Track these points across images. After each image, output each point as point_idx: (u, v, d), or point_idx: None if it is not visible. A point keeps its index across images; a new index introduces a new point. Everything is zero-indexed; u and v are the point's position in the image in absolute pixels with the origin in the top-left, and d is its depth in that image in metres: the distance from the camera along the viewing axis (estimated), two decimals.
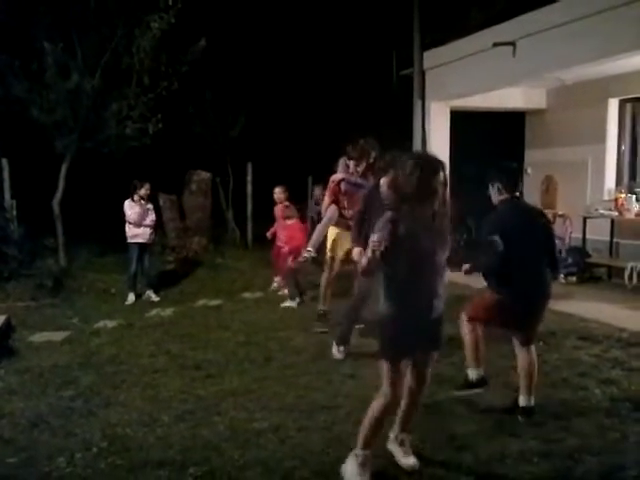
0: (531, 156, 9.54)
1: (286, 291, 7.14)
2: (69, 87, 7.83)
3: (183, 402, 3.92)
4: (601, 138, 8.09)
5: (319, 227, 5.75)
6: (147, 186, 7.29)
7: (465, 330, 3.79)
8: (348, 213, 5.53)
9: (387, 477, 2.93)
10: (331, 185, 5.64)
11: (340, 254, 5.63)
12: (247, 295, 7.44)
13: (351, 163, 5.48)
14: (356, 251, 4.86)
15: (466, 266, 3.81)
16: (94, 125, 8.28)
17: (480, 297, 3.87)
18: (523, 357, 3.64)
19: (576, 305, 6.27)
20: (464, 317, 3.81)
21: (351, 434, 3.37)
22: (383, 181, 4.75)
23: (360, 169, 5.46)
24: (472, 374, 3.80)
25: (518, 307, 3.56)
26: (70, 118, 8.07)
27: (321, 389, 4.08)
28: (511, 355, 4.57)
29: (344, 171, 5.62)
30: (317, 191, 9.46)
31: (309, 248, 5.69)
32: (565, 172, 8.64)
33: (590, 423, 3.45)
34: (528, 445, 3.20)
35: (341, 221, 5.58)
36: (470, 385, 3.79)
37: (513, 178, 3.78)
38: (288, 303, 6.81)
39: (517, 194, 3.76)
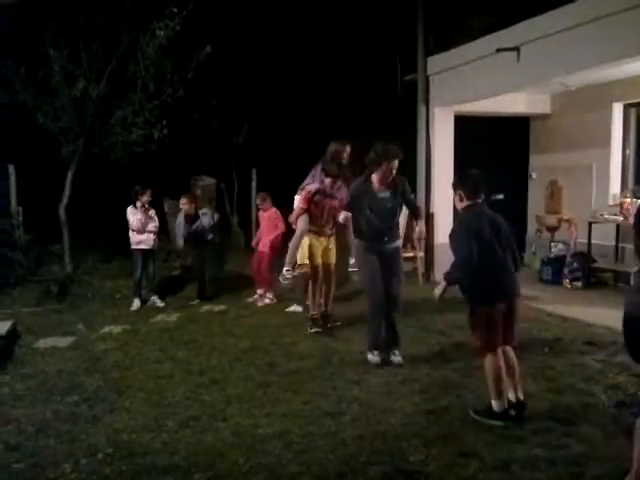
0: (536, 161, 9.52)
1: (267, 301, 7.20)
2: (75, 94, 7.89)
3: (188, 408, 3.93)
4: (606, 143, 8.07)
5: (293, 242, 5.73)
6: (149, 192, 7.31)
7: (487, 364, 3.66)
8: (321, 222, 5.71)
9: None
10: (307, 195, 5.62)
11: (320, 261, 5.79)
12: (251, 301, 7.44)
13: (327, 180, 5.58)
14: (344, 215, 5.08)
15: (439, 288, 3.77)
16: (99, 131, 8.34)
17: (471, 325, 3.76)
18: (513, 357, 3.69)
19: (582, 310, 6.25)
20: (482, 353, 3.71)
21: (355, 439, 3.38)
22: (374, 176, 4.76)
23: (337, 186, 5.62)
24: (496, 406, 3.64)
25: (500, 309, 3.62)
26: (76, 124, 8.13)
27: (326, 395, 4.08)
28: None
29: (319, 181, 5.67)
30: (178, 202, 7.98)
31: (287, 268, 5.69)
32: (570, 177, 8.61)
33: (596, 429, 3.43)
34: (534, 452, 3.18)
35: (312, 228, 5.70)
36: (492, 415, 3.63)
37: (474, 184, 3.81)
38: (294, 307, 6.82)
39: (479, 200, 3.78)
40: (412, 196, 5.20)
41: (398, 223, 4.98)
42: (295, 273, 5.79)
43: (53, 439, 3.51)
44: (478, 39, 7.92)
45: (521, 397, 3.64)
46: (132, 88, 8.30)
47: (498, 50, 7.26)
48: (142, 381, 4.47)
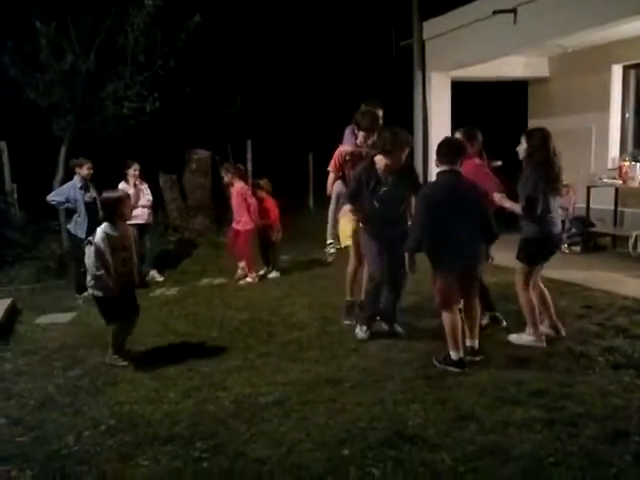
0: (534, 125, 9.38)
1: (249, 279, 6.87)
2: (64, 68, 7.75)
3: (189, 379, 3.96)
4: (605, 105, 7.98)
5: (330, 209, 5.10)
6: (135, 166, 7.16)
7: (444, 319, 3.97)
8: None
9: (391, 445, 2.95)
10: (338, 157, 4.95)
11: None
12: (237, 278, 7.37)
13: (361, 134, 4.84)
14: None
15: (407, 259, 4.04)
16: (91, 106, 8.22)
17: (433, 283, 4.02)
18: (476, 311, 4.06)
19: (580, 274, 6.26)
20: (440, 308, 4.00)
21: (355, 406, 3.41)
22: (378, 158, 4.45)
23: (371, 141, 4.80)
24: (453, 355, 3.93)
25: (455, 274, 3.88)
26: (66, 99, 8.02)
27: (325, 363, 4.11)
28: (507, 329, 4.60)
29: (351, 141, 5.01)
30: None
31: (330, 240, 5.14)
32: (568, 141, 8.52)
33: (593, 391, 3.47)
34: (531, 413, 3.21)
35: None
36: (450, 363, 3.91)
37: (449, 152, 3.90)
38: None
39: (453, 168, 3.87)
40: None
41: (405, 208, 4.54)
42: (339, 247, 5.16)
43: (56, 412, 3.54)
44: (474, 1, 7.76)
45: (476, 346, 4.03)
46: (122, 61, 8.15)
47: (495, 12, 7.13)
48: (143, 354, 4.50)
